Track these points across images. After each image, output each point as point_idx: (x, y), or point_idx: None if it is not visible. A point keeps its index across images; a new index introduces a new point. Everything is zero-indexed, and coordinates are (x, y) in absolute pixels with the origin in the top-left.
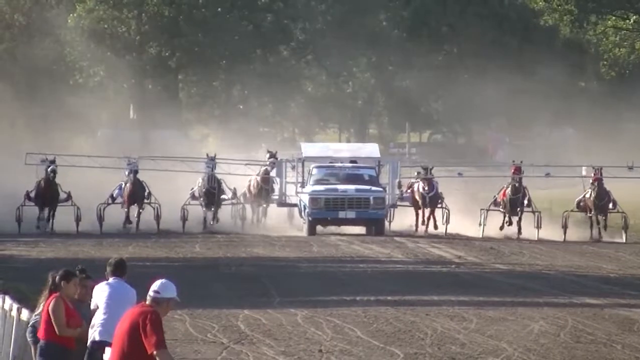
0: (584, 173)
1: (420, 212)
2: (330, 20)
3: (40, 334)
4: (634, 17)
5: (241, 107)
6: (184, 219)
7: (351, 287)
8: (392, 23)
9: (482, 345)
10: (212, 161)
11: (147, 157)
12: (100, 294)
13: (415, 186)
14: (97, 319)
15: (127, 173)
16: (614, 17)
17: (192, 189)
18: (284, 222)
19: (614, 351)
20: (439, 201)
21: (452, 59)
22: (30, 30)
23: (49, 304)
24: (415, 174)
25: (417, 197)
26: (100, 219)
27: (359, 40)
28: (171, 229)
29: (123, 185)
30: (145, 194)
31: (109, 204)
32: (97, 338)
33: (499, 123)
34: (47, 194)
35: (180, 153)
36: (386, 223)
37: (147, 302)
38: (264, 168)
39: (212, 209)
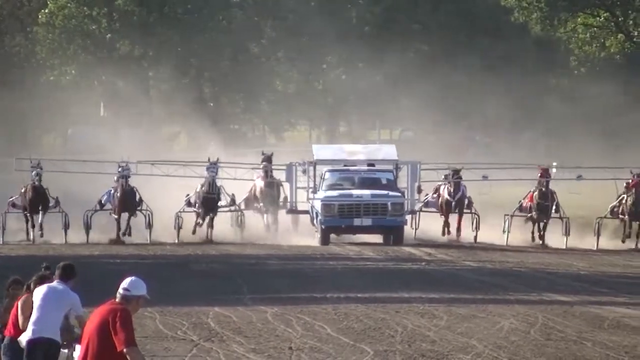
0: (554, 171)
1: (445, 218)
2: (301, 17)
3: (8, 331)
4: (604, 14)
5: (211, 104)
6: (179, 227)
7: (321, 284)
8: (362, 20)
9: (452, 343)
10: (214, 165)
11: (146, 162)
12: (37, 294)
13: (441, 189)
14: (32, 319)
15: (115, 179)
16: (584, 15)
17: (188, 195)
18: (286, 229)
19: (584, 348)
20: (467, 206)
21: (423, 56)
22: (1, 27)
23: (19, 301)
24: (443, 177)
25: (443, 202)
26: (87, 226)
27: (329, 38)
28: (162, 239)
29: (112, 192)
30: (137, 200)
31: (96, 211)
32: (31, 336)
33: (470, 121)
34: (36, 200)
35: (151, 151)
36: (411, 231)
37: (117, 300)
38: (261, 172)
39: (210, 216)
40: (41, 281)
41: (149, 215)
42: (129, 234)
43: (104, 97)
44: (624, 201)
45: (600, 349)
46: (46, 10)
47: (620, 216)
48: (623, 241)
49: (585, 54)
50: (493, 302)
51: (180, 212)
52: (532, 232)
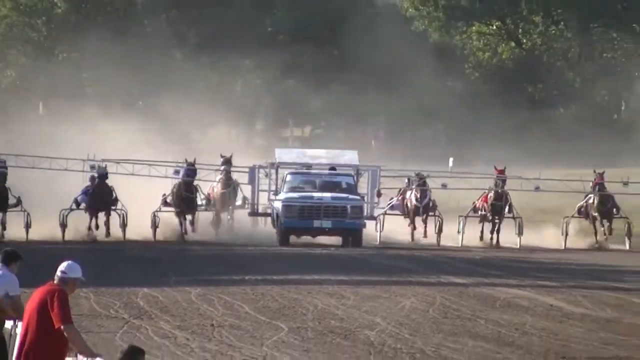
0: (450, 165)
1: (412, 222)
2: (221, 26)
3: None
4: (497, 23)
5: (140, 102)
6: (155, 226)
7: (241, 268)
8: (277, 28)
9: (358, 320)
10: (192, 167)
11: (113, 160)
12: None
13: (408, 194)
14: None
15: (91, 177)
16: (478, 24)
17: (164, 194)
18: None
19: (478, 325)
20: (432, 209)
21: (333, 61)
22: None
23: None
24: (406, 180)
25: (409, 205)
26: (63, 225)
27: (246, 44)
28: (136, 238)
29: (89, 191)
30: (112, 199)
31: (72, 210)
32: None
33: (375, 119)
34: None
35: (84, 148)
36: (375, 234)
37: (55, 282)
38: (221, 174)
39: (190, 216)
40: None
41: (123, 214)
42: (108, 234)
43: (42, 97)
44: (590, 201)
45: (492, 326)
46: None
47: (593, 213)
48: (597, 242)
49: (479, 60)
50: (396, 283)
51: (157, 211)
52: (481, 231)
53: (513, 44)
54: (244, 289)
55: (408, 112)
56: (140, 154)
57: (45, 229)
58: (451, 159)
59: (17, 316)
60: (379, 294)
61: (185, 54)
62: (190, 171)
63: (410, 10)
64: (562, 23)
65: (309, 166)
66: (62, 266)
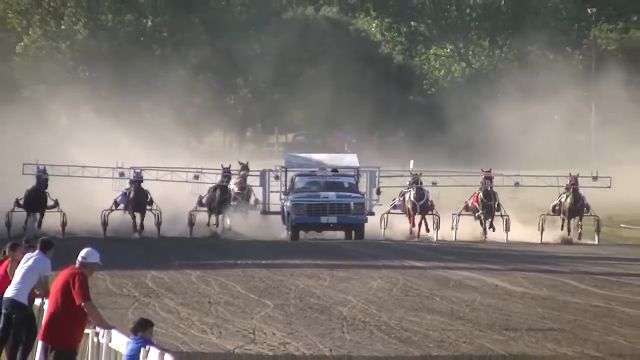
0: (411, 166)
1: (412, 218)
2: (216, 49)
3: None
4: (450, 46)
5: (148, 115)
6: (192, 224)
7: (234, 254)
8: (264, 50)
9: (333, 298)
10: (227, 171)
11: (149, 168)
12: (22, 262)
13: (407, 195)
14: (14, 282)
15: (130, 181)
16: (435, 47)
17: (200, 196)
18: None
19: (434, 302)
20: (430, 208)
21: (312, 79)
22: None
23: (6, 267)
24: (408, 183)
25: (408, 205)
26: (105, 224)
27: (239, 64)
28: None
29: (127, 193)
30: (148, 201)
31: (112, 210)
32: (9, 296)
33: (347, 127)
34: (35, 201)
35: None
36: (380, 230)
37: (77, 266)
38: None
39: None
40: (13, 248)
41: (158, 214)
42: (141, 230)
43: (66, 109)
44: (563, 200)
45: (446, 302)
46: (22, 44)
47: (562, 216)
48: (566, 237)
49: (435, 77)
50: (365, 267)
51: (193, 211)
52: (483, 228)
53: (464, 64)
54: (237, 272)
55: (376, 121)
56: (149, 158)
57: (86, 226)
58: (412, 161)
59: (44, 295)
60: (351, 276)
61: (186, 72)
62: (226, 176)
63: (377, 35)
64: (505, 47)
65: (315, 168)
66: (82, 252)
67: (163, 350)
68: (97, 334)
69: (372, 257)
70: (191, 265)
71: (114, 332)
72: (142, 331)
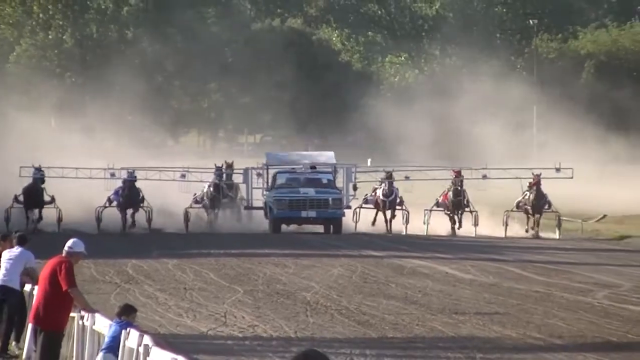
0: (368, 164)
1: (380, 213)
2: (191, 55)
3: None
4: (405, 55)
5: (130, 117)
6: (187, 220)
7: (207, 244)
8: (236, 58)
9: (297, 284)
10: (220, 170)
11: (140, 168)
12: (5, 255)
13: (378, 191)
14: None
15: (123, 180)
16: (390, 56)
17: (195, 194)
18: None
19: (390, 288)
20: (399, 203)
21: (278, 84)
22: None
23: None
24: (380, 180)
25: (378, 200)
26: (98, 220)
27: (212, 70)
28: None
29: (120, 191)
30: (140, 198)
31: (106, 207)
32: (1, 283)
33: (310, 128)
34: (33, 197)
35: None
36: (352, 223)
37: (63, 255)
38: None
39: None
40: (4, 238)
41: (149, 211)
42: (133, 226)
43: (54, 112)
44: (526, 197)
45: (401, 289)
46: (15, 54)
47: (527, 207)
48: (527, 231)
49: (391, 83)
50: (327, 256)
51: (188, 208)
52: (452, 223)
53: (417, 71)
54: (209, 260)
55: (337, 123)
56: (131, 157)
57: (80, 222)
58: (369, 159)
59: (34, 282)
60: (314, 264)
61: (164, 78)
62: (218, 175)
63: (338, 44)
64: (454, 56)
65: (295, 166)
66: (69, 242)
67: (142, 332)
68: (82, 318)
69: (333, 247)
70: (168, 254)
71: (97, 315)
72: (126, 316)
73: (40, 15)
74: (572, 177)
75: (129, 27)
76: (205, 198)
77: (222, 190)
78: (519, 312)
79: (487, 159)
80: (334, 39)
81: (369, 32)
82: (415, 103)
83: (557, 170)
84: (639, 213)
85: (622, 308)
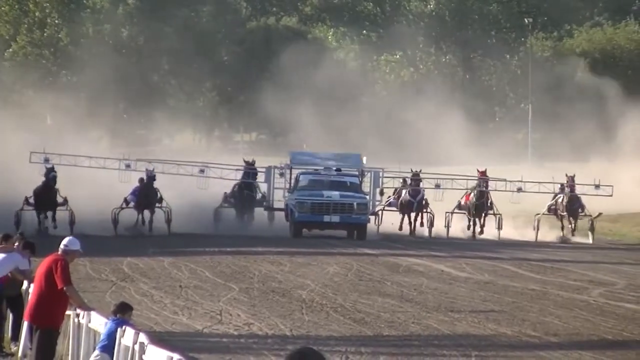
0: (364, 162)
1: (406, 215)
2: (186, 55)
3: None
4: (400, 53)
5: (125, 116)
6: (219, 220)
7: (202, 242)
8: (230, 57)
9: (293, 282)
10: (251, 167)
11: (156, 161)
12: None
13: (403, 192)
14: None
15: (140, 179)
16: (386, 54)
17: (225, 192)
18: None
19: (385, 286)
20: (425, 206)
21: (269, 83)
22: None
23: None
24: (402, 180)
25: (403, 202)
26: (115, 222)
27: (206, 69)
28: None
29: (138, 191)
30: (157, 199)
31: (122, 208)
32: None
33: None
34: (45, 199)
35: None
36: (374, 227)
37: (59, 253)
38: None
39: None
40: (5, 238)
41: (168, 211)
42: (149, 230)
43: (49, 110)
44: (559, 200)
45: (396, 286)
46: (10, 50)
47: (561, 214)
48: (562, 236)
49: (386, 81)
50: (322, 254)
51: (219, 207)
52: (469, 225)
53: (412, 69)
54: (205, 258)
55: (332, 122)
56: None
57: (95, 225)
58: (364, 158)
59: (29, 282)
60: (309, 262)
61: (160, 77)
62: (252, 173)
63: (333, 43)
64: (450, 54)
65: (319, 167)
66: (65, 240)
67: (138, 330)
68: (77, 315)
69: (329, 245)
70: (164, 252)
71: (93, 313)
72: (122, 314)
73: (37, 13)
74: (611, 195)
75: (124, 25)
76: (232, 197)
77: (255, 190)
78: (515, 310)
79: (486, 159)
80: (329, 37)
81: (364, 31)
82: (408, 100)
83: (597, 187)
84: (633, 211)
85: (617, 306)
